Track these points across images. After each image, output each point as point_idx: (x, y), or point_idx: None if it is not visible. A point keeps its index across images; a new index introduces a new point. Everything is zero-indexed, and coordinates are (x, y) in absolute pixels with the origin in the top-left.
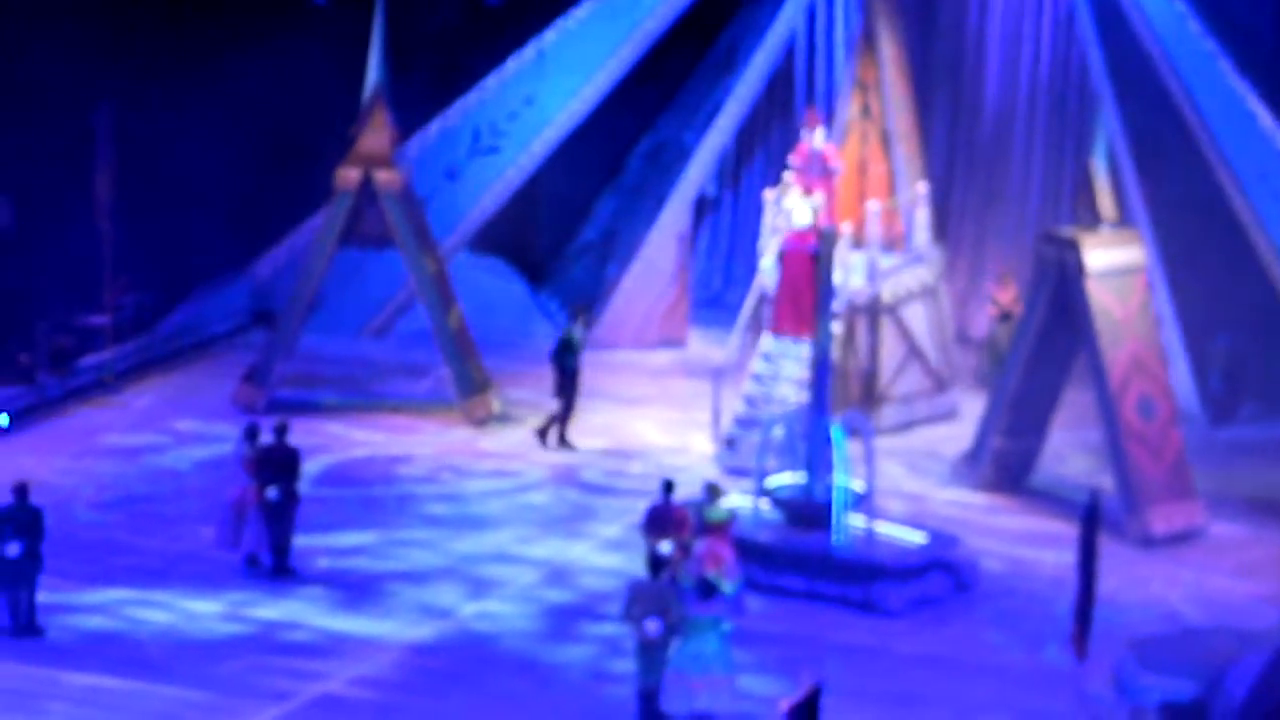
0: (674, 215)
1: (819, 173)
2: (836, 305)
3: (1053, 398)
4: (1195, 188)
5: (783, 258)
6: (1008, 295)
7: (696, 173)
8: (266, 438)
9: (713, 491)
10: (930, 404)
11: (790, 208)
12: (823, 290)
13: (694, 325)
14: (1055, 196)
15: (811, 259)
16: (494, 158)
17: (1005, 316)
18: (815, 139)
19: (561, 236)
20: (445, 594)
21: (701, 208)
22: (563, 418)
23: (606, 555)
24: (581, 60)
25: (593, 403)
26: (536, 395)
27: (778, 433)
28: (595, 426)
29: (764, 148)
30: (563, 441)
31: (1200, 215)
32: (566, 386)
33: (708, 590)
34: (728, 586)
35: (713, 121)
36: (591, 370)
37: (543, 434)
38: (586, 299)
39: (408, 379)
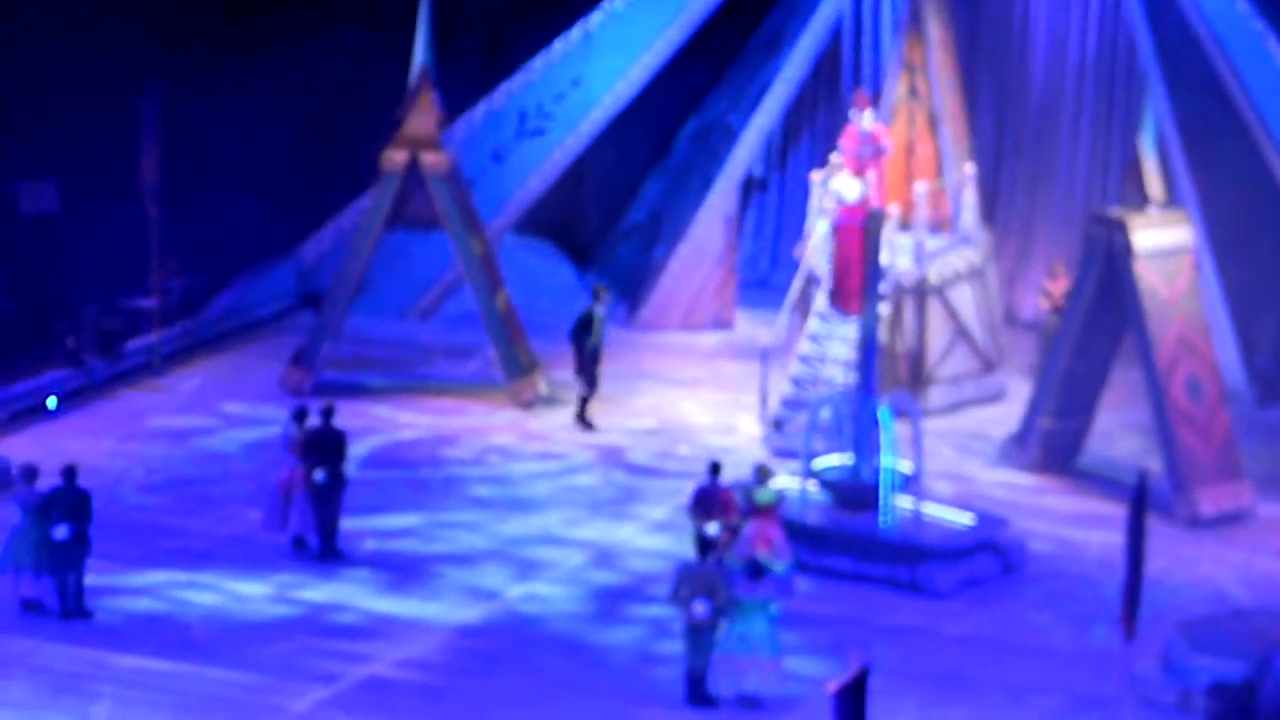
0: (721, 197)
1: (870, 154)
2: (884, 287)
3: (1101, 378)
4: (1243, 168)
5: (835, 232)
6: (1059, 286)
7: (744, 154)
8: (314, 420)
9: (762, 473)
10: (978, 385)
11: (838, 188)
12: (870, 272)
13: (741, 307)
14: (1103, 177)
15: (863, 233)
16: (540, 139)
17: (1058, 310)
18: (864, 120)
19: (608, 218)
20: (492, 576)
21: (749, 189)
22: (584, 397)
23: (653, 537)
24: (628, 42)
25: (640, 384)
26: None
27: (825, 414)
28: (642, 408)
29: (810, 129)
30: (581, 420)
31: (1248, 196)
32: (586, 366)
33: (756, 572)
34: (779, 567)
35: (759, 103)
36: (638, 352)
37: (581, 417)
38: (634, 280)
39: (454, 361)
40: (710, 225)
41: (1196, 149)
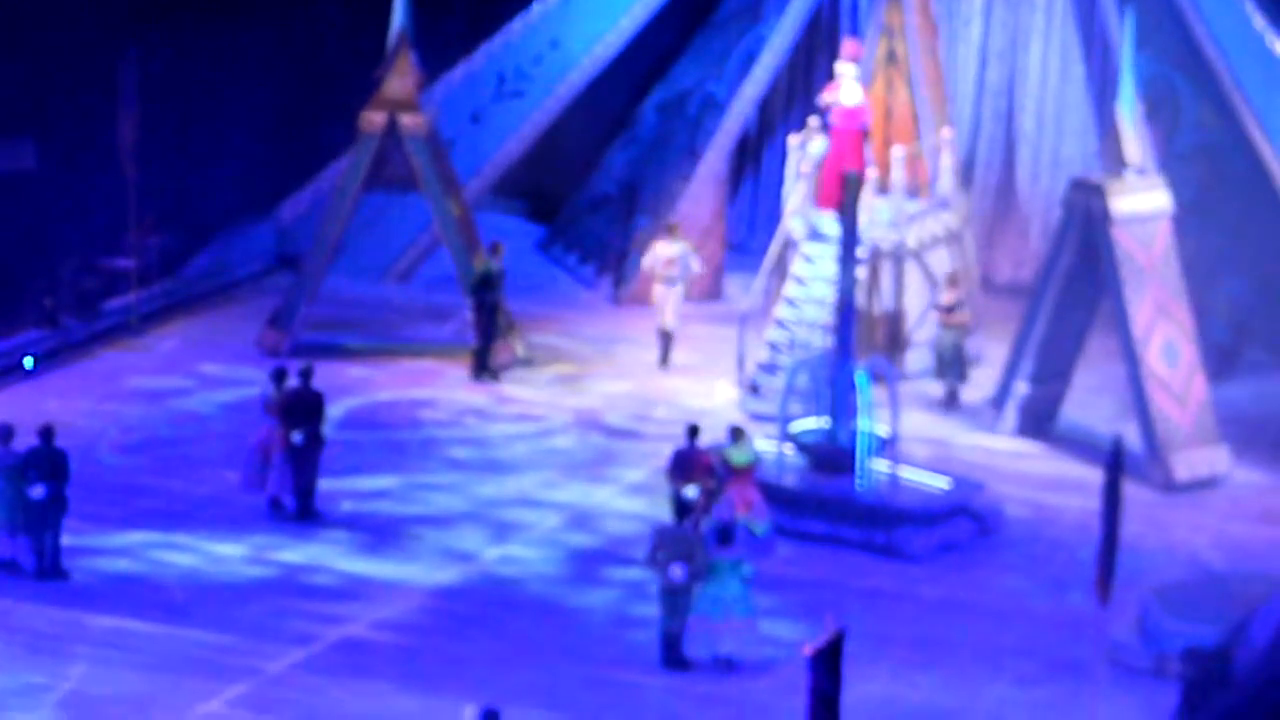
0: (710, 168)
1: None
2: (861, 251)
3: (1077, 343)
4: (1205, 135)
5: (832, 135)
6: (951, 297)
7: (733, 124)
8: (292, 381)
9: (736, 434)
10: None
11: (839, 95)
12: (846, 236)
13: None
14: (1080, 143)
15: (862, 135)
16: (519, 102)
17: (951, 324)
18: (849, 72)
19: (572, 188)
20: (468, 538)
21: (742, 158)
22: (483, 350)
23: (630, 500)
24: (606, 5)
25: (616, 347)
26: (561, 340)
27: (802, 379)
28: (620, 370)
29: (791, 97)
30: (485, 370)
31: (1210, 163)
32: (486, 321)
33: (725, 535)
34: (758, 528)
35: (748, 72)
36: (615, 315)
37: (477, 373)
38: (612, 253)
39: (432, 323)
40: (700, 197)
41: (1159, 115)
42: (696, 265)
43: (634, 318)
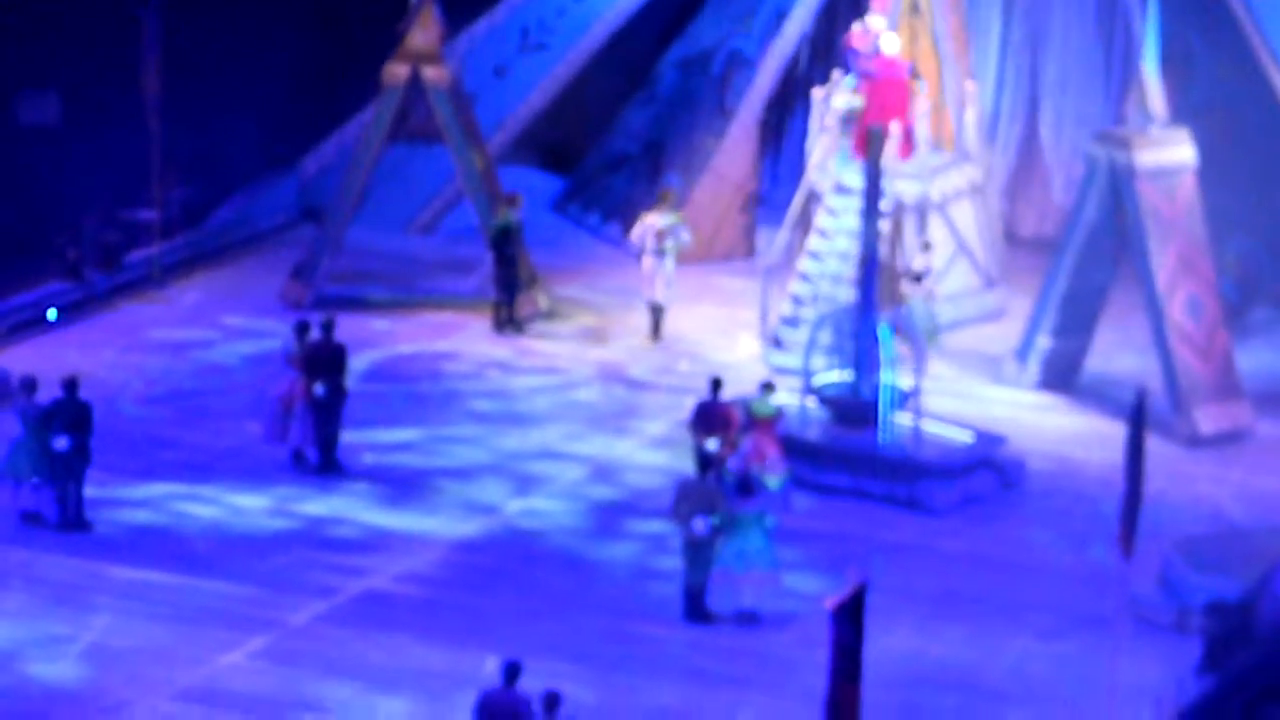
0: (742, 125)
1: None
2: (884, 204)
3: (1100, 297)
4: (1219, 92)
5: (875, 85)
6: (922, 261)
7: (765, 81)
8: (314, 334)
9: (767, 388)
10: (978, 302)
11: (877, 41)
12: (869, 189)
13: None
14: (1104, 95)
15: (906, 84)
16: (542, 54)
17: (918, 279)
18: (877, 23)
19: (594, 141)
20: (491, 490)
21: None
22: (509, 302)
23: (653, 452)
24: None
25: (639, 300)
26: (584, 293)
27: (825, 333)
28: (642, 324)
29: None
30: (509, 323)
31: (1223, 121)
32: (507, 273)
33: (747, 486)
34: (773, 482)
35: (778, 28)
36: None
37: (500, 326)
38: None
39: (455, 276)
40: (734, 155)
41: (1174, 71)
42: (687, 236)
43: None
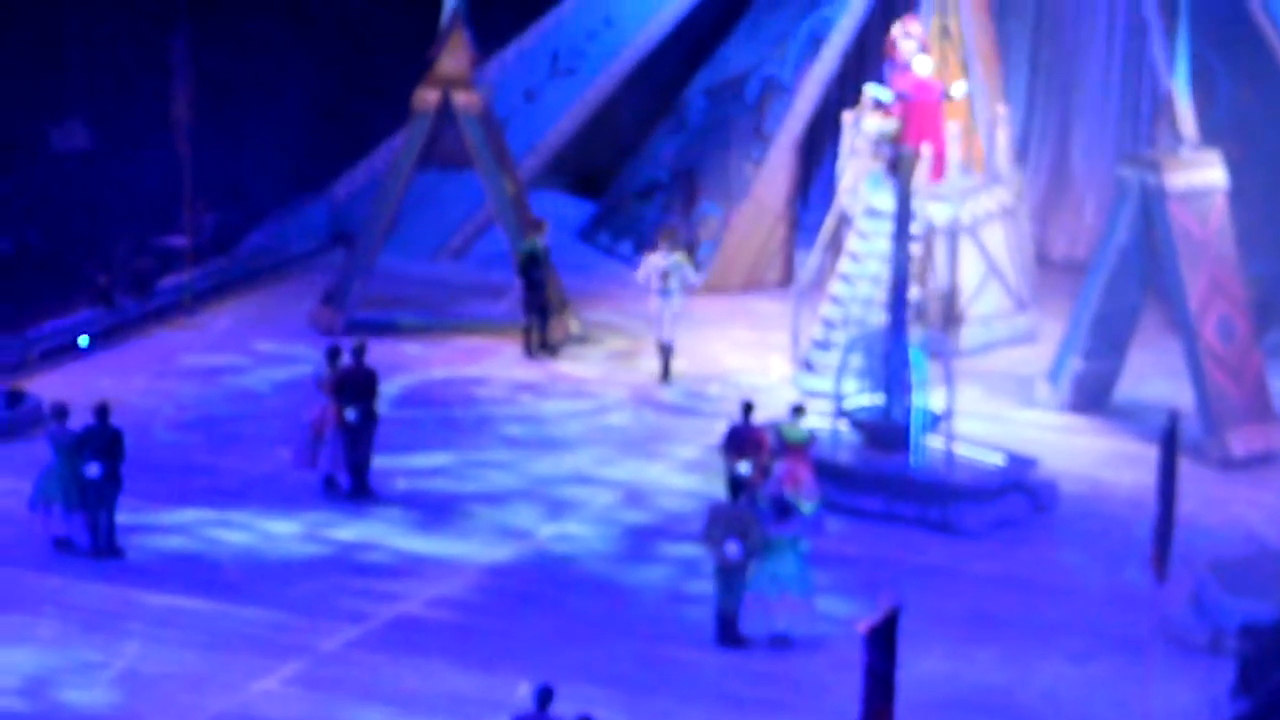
0: (780, 152)
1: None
2: (915, 227)
3: (1132, 319)
4: (1239, 114)
5: (913, 106)
6: (915, 292)
7: (804, 107)
8: (346, 359)
9: (798, 411)
10: (1010, 325)
11: (910, 65)
12: (900, 212)
13: None
14: (1134, 117)
15: (940, 106)
16: (572, 79)
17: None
18: (909, 48)
19: (623, 167)
20: (523, 515)
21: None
22: (542, 327)
23: (684, 476)
24: None
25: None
26: (613, 316)
27: (856, 356)
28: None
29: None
30: (542, 348)
31: (1241, 142)
32: (536, 298)
33: (784, 510)
34: (806, 506)
35: (814, 54)
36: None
37: (532, 350)
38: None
39: (486, 300)
40: (773, 181)
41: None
42: (693, 276)
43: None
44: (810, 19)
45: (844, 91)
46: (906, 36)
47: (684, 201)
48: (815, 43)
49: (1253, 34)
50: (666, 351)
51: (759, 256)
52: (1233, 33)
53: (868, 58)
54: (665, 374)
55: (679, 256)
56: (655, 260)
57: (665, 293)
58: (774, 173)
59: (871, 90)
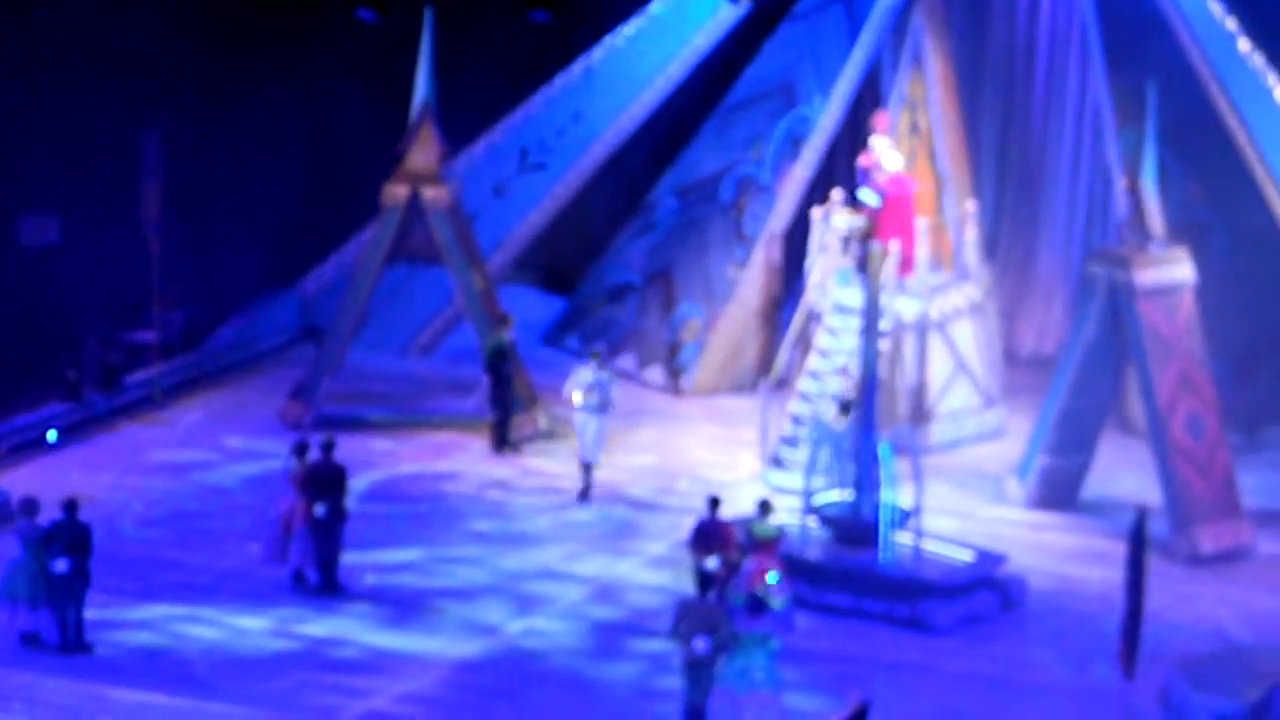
0: (765, 253)
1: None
2: (884, 323)
3: (1100, 415)
4: (1191, 214)
5: (885, 202)
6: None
7: (786, 206)
8: (314, 454)
9: (765, 508)
10: (978, 421)
11: (879, 160)
12: (869, 308)
13: None
14: (1102, 215)
15: (909, 202)
16: (541, 174)
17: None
18: (881, 144)
19: (592, 262)
20: (492, 611)
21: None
22: (502, 423)
23: (654, 572)
24: (629, 77)
25: (639, 419)
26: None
27: (825, 453)
28: (642, 443)
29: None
30: (506, 443)
31: (1193, 242)
32: (503, 393)
33: (756, 606)
34: (776, 603)
35: (793, 153)
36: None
37: (498, 446)
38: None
39: (455, 396)
40: (756, 283)
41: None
42: (617, 393)
43: (659, 396)
44: (787, 119)
45: (812, 190)
46: (876, 134)
47: (660, 304)
48: (794, 142)
49: (1206, 132)
50: (588, 470)
51: (743, 357)
52: (1187, 131)
53: (839, 156)
54: (584, 493)
55: (606, 374)
56: (584, 376)
57: (591, 408)
58: (757, 273)
59: (862, 195)
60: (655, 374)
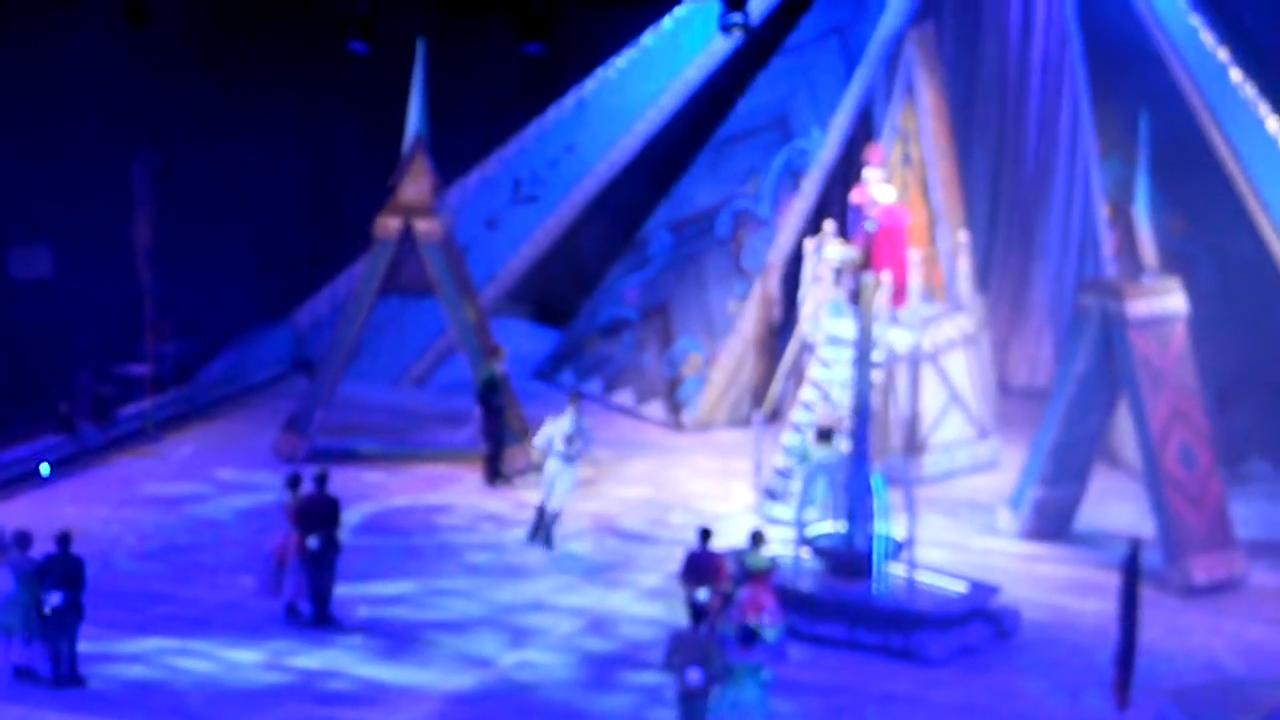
0: (764, 286)
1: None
2: (877, 354)
3: (1093, 445)
4: (1172, 244)
5: (879, 235)
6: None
7: (786, 240)
8: (307, 487)
9: (757, 539)
10: (971, 452)
11: (873, 194)
12: (862, 339)
13: None
14: (1095, 246)
15: (902, 233)
16: (533, 206)
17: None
18: (874, 177)
19: (585, 298)
20: (485, 643)
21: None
22: (494, 455)
23: (646, 604)
24: (621, 109)
25: (632, 451)
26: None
27: (818, 484)
28: (635, 475)
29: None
30: (498, 476)
31: (1174, 272)
32: (495, 425)
33: (748, 638)
34: (769, 634)
35: (792, 186)
36: (631, 424)
37: (491, 478)
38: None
39: (448, 428)
40: (757, 317)
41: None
42: (590, 442)
43: (654, 429)
44: (784, 152)
45: (806, 223)
46: (869, 166)
47: (658, 339)
48: (793, 176)
49: (1189, 163)
50: (551, 519)
51: (744, 391)
52: (1170, 162)
53: (833, 189)
54: (544, 537)
55: (584, 421)
56: (563, 424)
57: (565, 458)
58: (758, 307)
59: (868, 226)
60: (654, 409)
